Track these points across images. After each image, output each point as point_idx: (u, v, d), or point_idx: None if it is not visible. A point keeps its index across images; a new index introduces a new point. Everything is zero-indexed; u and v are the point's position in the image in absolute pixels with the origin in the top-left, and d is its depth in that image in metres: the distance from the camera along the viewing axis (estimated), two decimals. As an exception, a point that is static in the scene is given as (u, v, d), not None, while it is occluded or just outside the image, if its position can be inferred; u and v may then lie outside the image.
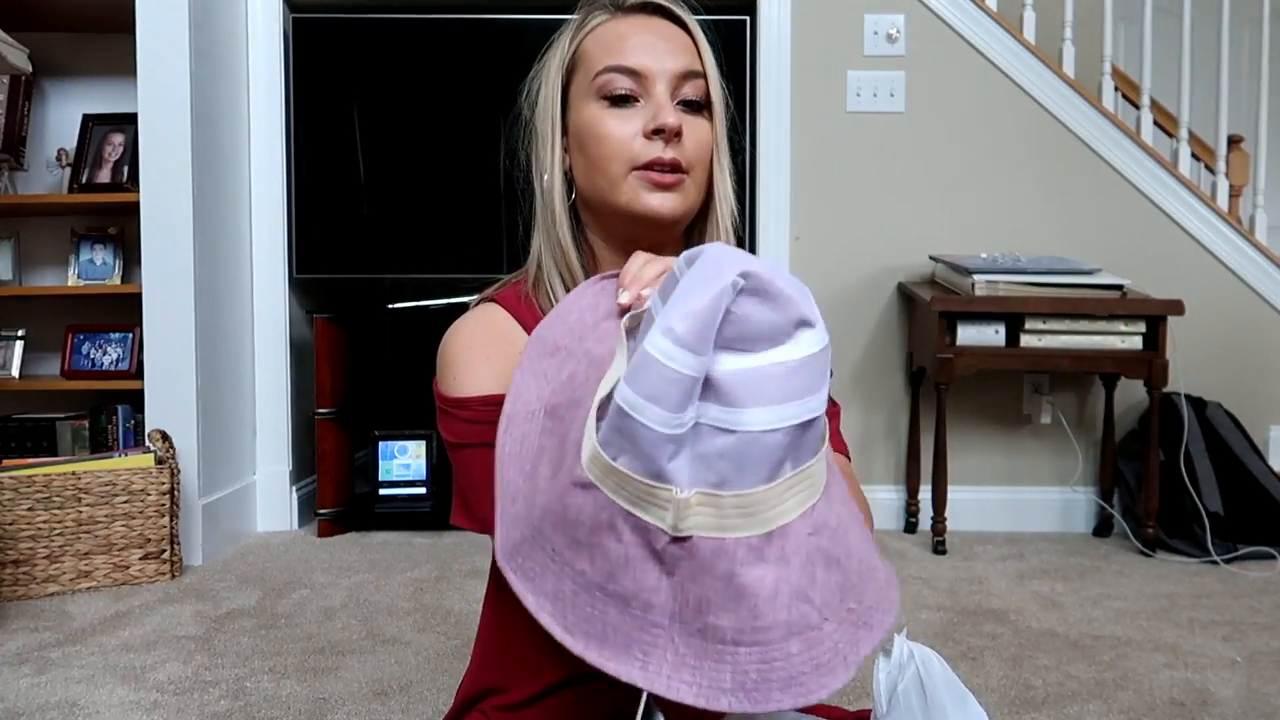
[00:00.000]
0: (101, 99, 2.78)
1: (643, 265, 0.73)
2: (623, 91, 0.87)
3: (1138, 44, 2.89)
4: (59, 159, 2.75)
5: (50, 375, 2.75)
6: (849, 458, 0.96)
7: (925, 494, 2.61)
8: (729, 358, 0.58)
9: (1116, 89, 2.85)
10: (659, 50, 0.87)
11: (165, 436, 2.25)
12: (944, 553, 2.45)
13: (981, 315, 2.40)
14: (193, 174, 2.32)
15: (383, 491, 2.67)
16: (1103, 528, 2.65)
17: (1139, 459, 2.57)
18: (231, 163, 2.57)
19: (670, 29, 0.90)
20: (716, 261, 0.60)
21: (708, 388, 0.58)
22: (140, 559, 2.15)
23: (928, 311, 2.43)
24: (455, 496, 0.86)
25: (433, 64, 2.63)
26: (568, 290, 0.91)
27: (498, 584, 0.92)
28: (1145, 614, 1.99)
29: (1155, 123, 2.97)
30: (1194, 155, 2.89)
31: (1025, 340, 2.39)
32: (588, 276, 0.92)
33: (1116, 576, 2.27)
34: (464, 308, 0.94)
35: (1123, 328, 2.39)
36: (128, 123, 2.62)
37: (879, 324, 2.73)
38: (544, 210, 0.92)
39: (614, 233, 0.91)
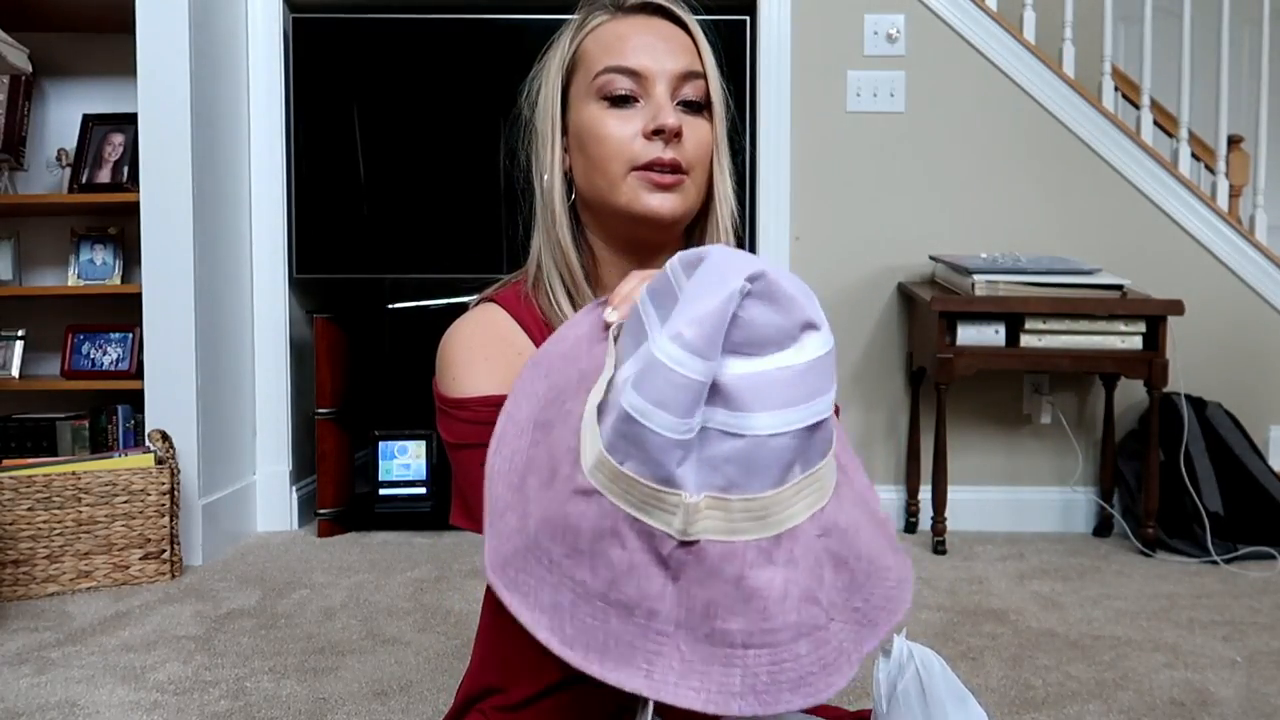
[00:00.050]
0: (101, 99, 2.78)
1: (634, 287, 0.72)
2: (623, 92, 0.87)
3: (1138, 44, 2.89)
4: (59, 159, 2.75)
5: (50, 375, 2.75)
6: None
7: (925, 494, 2.61)
8: (735, 362, 0.58)
9: (1116, 89, 2.85)
10: (659, 51, 0.88)
11: (165, 436, 2.25)
12: (944, 553, 2.45)
13: (981, 315, 2.40)
14: (193, 174, 2.32)
15: (383, 491, 2.67)
16: (1103, 528, 2.65)
17: (1139, 459, 2.57)
18: (231, 163, 2.57)
19: (670, 29, 0.90)
20: (722, 265, 0.59)
21: (714, 392, 0.57)
22: (140, 559, 2.15)
23: (928, 311, 2.43)
24: (454, 497, 0.86)
25: (433, 64, 2.63)
26: (567, 291, 0.91)
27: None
28: (1145, 614, 1.99)
29: (1155, 123, 2.96)
30: (1194, 155, 2.89)
31: (1025, 340, 2.39)
32: (587, 277, 0.92)
33: (1116, 576, 2.27)
34: (464, 308, 0.94)
35: (1123, 328, 2.39)
36: (128, 123, 2.62)
37: (879, 324, 2.73)
38: (544, 210, 0.92)
39: (614, 233, 0.91)
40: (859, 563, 0.64)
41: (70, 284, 2.71)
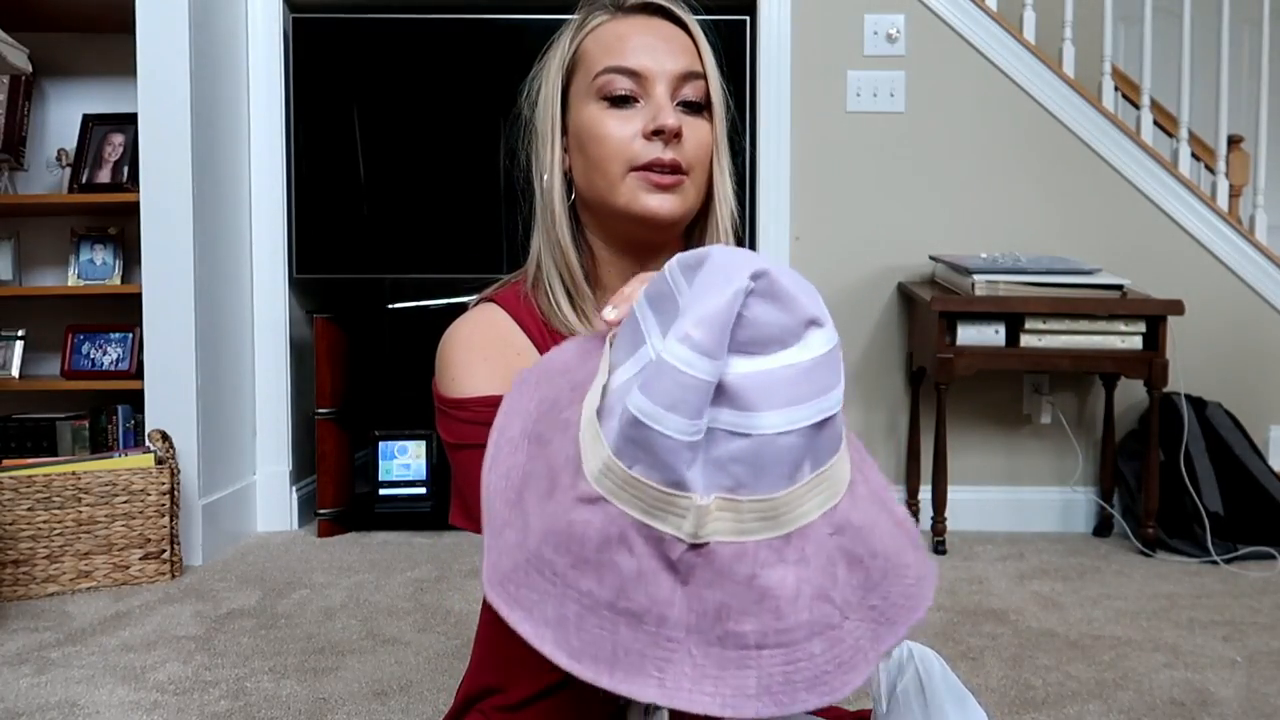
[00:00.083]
0: (101, 99, 2.78)
1: (636, 289, 0.71)
2: (623, 92, 0.87)
3: (1138, 44, 2.89)
4: (59, 159, 2.75)
5: (50, 375, 2.75)
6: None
7: (925, 494, 2.61)
8: (740, 361, 0.58)
9: (1116, 89, 2.85)
10: (659, 51, 0.87)
11: (165, 436, 2.25)
12: (944, 553, 2.45)
13: (981, 315, 2.40)
14: (193, 174, 2.32)
15: (383, 491, 2.67)
16: (1103, 528, 2.65)
17: (1139, 459, 2.57)
18: (231, 163, 2.57)
19: (670, 30, 0.90)
20: (726, 265, 0.59)
21: (719, 393, 0.57)
22: (140, 559, 2.15)
23: (928, 311, 2.43)
24: (454, 497, 0.86)
25: (433, 64, 2.63)
26: (567, 291, 0.91)
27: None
28: (1145, 614, 1.99)
29: (1155, 123, 2.96)
30: (1194, 155, 2.89)
31: (1025, 340, 2.39)
32: (587, 277, 0.92)
33: (1116, 576, 2.27)
34: (464, 308, 0.94)
35: (1123, 328, 2.39)
36: (128, 123, 2.62)
37: (879, 324, 2.73)
38: (543, 210, 0.92)
39: (613, 233, 0.91)
40: (875, 560, 0.63)
41: (70, 284, 2.71)
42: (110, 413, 2.71)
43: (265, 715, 1.48)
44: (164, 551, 2.17)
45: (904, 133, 2.70)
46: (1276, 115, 3.06)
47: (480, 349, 0.87)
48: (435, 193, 2.65)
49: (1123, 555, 2.46)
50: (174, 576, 2.18)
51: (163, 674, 1.64)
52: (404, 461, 2.69)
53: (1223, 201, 2.80)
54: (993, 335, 2.40)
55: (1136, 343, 2.39)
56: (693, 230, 0.94)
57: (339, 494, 2.67)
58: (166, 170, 2.31)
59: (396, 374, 3.04)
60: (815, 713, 0.91)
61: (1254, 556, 2.39)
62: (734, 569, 0.58)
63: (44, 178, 2.80)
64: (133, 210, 2.38)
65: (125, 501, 2.14)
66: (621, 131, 0.86)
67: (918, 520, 2.66)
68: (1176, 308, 2.37)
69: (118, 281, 2.70)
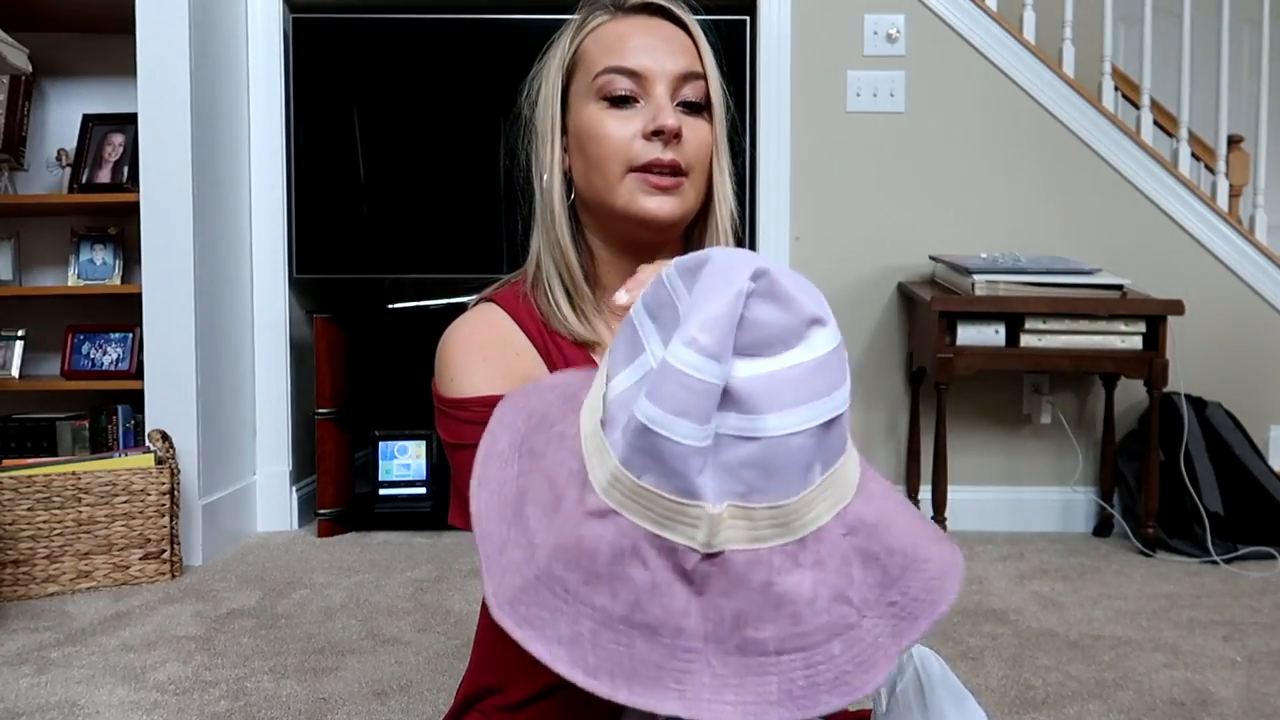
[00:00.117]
0: (101, 99, 2.78)
1: (649, 277, 0.72)
2: (622, 92, 0.87)
3: (1138, 44, 2.89)
4: (59, 159, 2.75)
5: (50, 375, 2.75)
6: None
7: (925, 494, 2.61)
8: (744, 364, 0.57)
9: (1116, 89, 2.85)
10: (659, 51, 0.87)
11: (165, 436, 2.25)
12: (944, 553, 2.44)
13: (981, 315, 2.40)
14: (193, 174, 2.32)
15: (383, 491, 2.67)
16: (1103, 528, 2.65)
17: (1139, 459, 2.57)
18: (231, 163, 2.57)
19: (671, 30, 0.90)
20: (726, 267, 0.59)
21: (724, 397, 0.56)
22: (140, 559, 2.15)
23: (928, 311, 2.43)
24: (453, 496, 0.86)
25: (433, 64, 2.63)
26: (566, 291, 0.91)
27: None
28: (1145, 614, 1.99)
29: (1155, 123, 2.96)
30: (1194, 155, 2.89)
31: (1025, 340, 2.39)
32: (587, 277, 0.92)
33: (1116, 576, 2.27)
34: (464, 308, 0.94)
35: (1123, 328, 2.39)
36: (128, 123, 2.62)
37: (879, 324, 2.73)
38: (543, 210, 0.92)
39: (612, 234, 0.91)
40: (891, 557, 0.63)
41: (70, 284, 2.71)
42: (110, 413, 2.71)
43: (265, 715, 1.48)
44: (164, 551, 2.17)
45: (904, 133, 2.70)
46: (1276, 115, 3.06)
47: (480, 349, 0.87)
48: (435, 193, 2.65)
49: (1123, 555, 2.46)
50: (174, 576, 2.19)
51: (163, 674, 1.64)
52: (404, 461, 2.69)
53: (1223, 201, 2.80)
54: (993, 335, 2.40)
55: (1136, 343, 2.39)
56: (692, 230, 0.94)
57: (339, 494, 2.67)
58: (166, 170, 2.31)
59: (396, 374, 3.04)
60: (815, 714, 0.91)
61: (1254, 556, 2.39)
62: (749, 576, 0.58)
63: (44, 178, 2.80)
64: (133, 210, 2.38)
65: (125, 501, 2.14)
66: (621, 132, 0.86)
67: (918, 520, 2.66)
68: (1176, 308, 2.37)
69: (118, 281, 2.70)
